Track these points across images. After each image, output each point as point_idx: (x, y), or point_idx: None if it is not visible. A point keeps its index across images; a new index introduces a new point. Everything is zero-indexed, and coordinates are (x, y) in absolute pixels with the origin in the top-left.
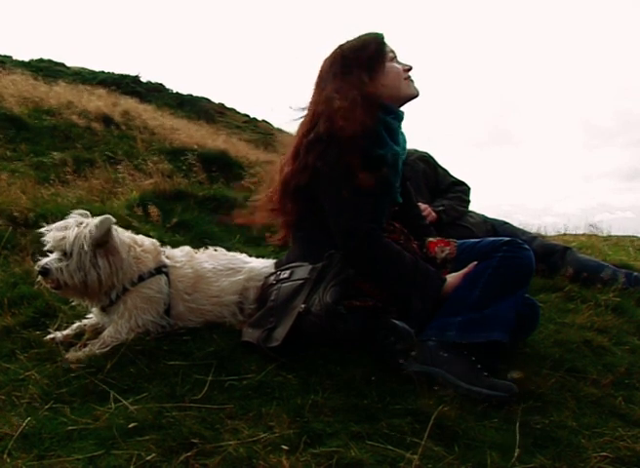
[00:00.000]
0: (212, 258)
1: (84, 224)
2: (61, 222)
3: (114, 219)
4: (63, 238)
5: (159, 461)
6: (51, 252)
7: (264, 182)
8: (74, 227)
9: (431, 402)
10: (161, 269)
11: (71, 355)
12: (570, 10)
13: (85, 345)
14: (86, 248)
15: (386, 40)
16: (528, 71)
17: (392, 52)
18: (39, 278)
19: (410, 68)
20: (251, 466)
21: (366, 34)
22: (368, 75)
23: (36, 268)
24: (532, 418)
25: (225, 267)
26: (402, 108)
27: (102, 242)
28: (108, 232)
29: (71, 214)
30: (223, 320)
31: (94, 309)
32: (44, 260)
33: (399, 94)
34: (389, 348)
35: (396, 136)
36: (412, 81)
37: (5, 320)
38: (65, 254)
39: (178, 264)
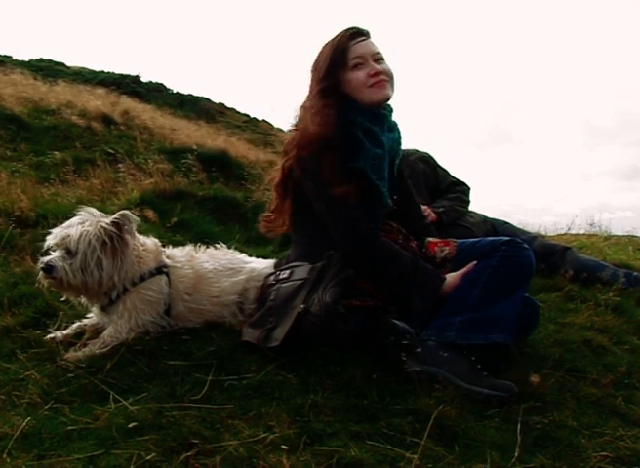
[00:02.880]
0: (212, 258)
1: (89, 223)
2: (68, 221)
3: (130, 214)
4: (68, 236)
5: (159, 461)
6: (52, 250)
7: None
8: (78, 225)
9: (431, 402)
10: (162, 269)
11: (71, 355)
12: (570, 9)
13: (85, 345)
14: (94, 245)
15: (364, 36)
16: (528, 71)
17: (359, 55)
18: (40, 275)
19: (375, 73)
20: (251, 466)
21: (337, 36)
22: (335, 84)
23: (39, 265)
24: (532, 418)
25: (226, 267)
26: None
27: (116, 237)
28: (128, 226)
29: (79, 212)
30: (223, 320)
31: (94, 309)
32: (48, 257)
33: (364, 101)
34: (389, 348)
35: (377, 139)
36: (382, 83)
37: (5, 320)
38: (69, 253)
39: (178, 265)
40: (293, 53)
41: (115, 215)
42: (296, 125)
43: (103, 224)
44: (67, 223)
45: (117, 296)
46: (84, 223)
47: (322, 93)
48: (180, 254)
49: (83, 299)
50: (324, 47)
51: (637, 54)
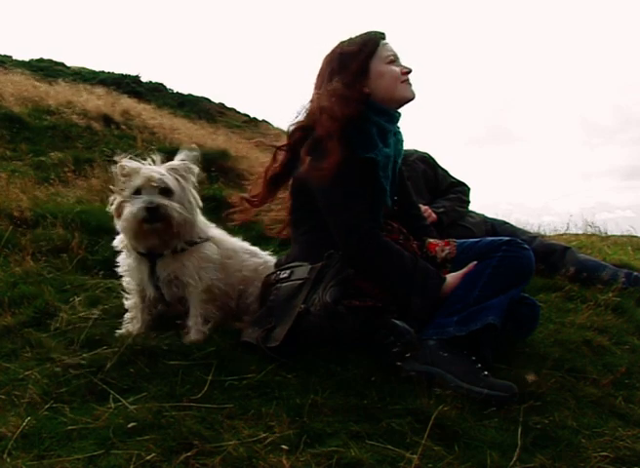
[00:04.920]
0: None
1: (174, 161)
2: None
3: (191, 164)
4: (161, 175)
5: (159, 461)
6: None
7: (253, 178)
8: (159, 164)
9: (431, 402)
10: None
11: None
12: (569, 6)
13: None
14: (188, 180)
15: (389, 40)
16: (527, 69)
17: (393, 54)
18: (141, 216)
19: (409, 71)
20: (251, 466)
21: (366, 33)
22: (363, 75)
23: (141, 204)
24: (532, 418)
25: (247, 251)
26: (400, 109)
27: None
28: (188, 175)
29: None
30: (229, 303)
31: (139, 267)
32: (146, 198)
33: (393, 96)
34: (389, 348)
35: (388, 139)
36: (409, 84)
37: (5, 320)
38: (166, 191)
39: (218, 236)
40: (292, 53)
41: (177, 161)
42: (305, 119)
43: (187, 163)
44: (135, 166)
45: (181, 249)
46: (166, 160)
47: (355, 79)
48: (217, 230)
49: (161, 246)
50: (351, 42)
51: (636, 51)
